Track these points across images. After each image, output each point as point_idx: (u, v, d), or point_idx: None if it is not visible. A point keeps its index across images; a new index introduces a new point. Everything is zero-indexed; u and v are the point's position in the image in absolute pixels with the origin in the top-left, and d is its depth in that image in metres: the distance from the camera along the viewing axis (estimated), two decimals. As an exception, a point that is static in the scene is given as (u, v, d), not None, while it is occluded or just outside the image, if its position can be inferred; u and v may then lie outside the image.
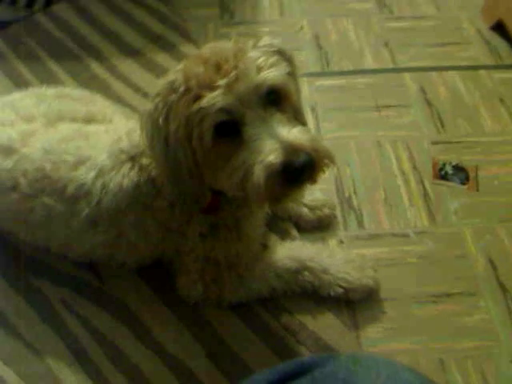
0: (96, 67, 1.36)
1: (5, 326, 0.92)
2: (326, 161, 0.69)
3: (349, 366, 0.45)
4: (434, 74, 1.37)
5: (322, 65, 1.39)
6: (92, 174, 0.84)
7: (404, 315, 0.96)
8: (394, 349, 0.92)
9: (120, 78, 1.34)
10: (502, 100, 1.30)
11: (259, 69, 0.67)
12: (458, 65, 1.39)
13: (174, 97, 0.68)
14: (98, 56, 1.38)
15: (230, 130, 0.68)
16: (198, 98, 0.66)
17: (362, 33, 1.47)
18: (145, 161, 0.81)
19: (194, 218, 0.84)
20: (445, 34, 1.47)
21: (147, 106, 0.71)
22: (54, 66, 1.36)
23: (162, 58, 1.37)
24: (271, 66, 0.68)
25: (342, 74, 1.37)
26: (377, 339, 0.93)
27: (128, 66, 1.36)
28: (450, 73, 1.37)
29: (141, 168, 0.81)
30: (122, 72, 1.35)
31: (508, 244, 1.04)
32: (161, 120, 0.69)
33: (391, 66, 1.40)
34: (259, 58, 0.68)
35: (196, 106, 0.66)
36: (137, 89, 1.31)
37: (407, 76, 1.37)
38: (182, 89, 0.67)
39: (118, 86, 1.32)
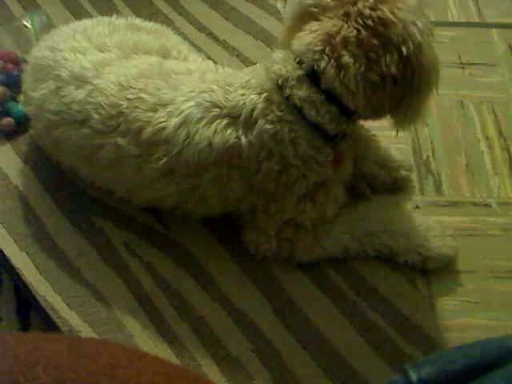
0: (158, 1, 1.27)
1: (68, 268, 0.88)
2: None
3: None
4: (524, 32, 1.25)
5: (400, 14, 1.28)
6: (175, 120, 0.77)
7: (481, 289, 0.89)
8: (470, 323, 0.86)
9: (183, 14, 1.25)
10: None
11: None
12: (551, 24, 1.26)
13: None
14: (161, -11, 1.29)
15: None
16: None
17: (447, -19, 1.34)
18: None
19: (300, 180, 0.79)
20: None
21: None
22: (115, -1, 1.28)
23: (227, -5, 1.27)
24: None
25: (423, 24, 1.26)
26: (452, 312, 0.87)
27: (191, 2, 1.27)
28: (542, 32, 1.24)
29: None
30: (185, 8, 1.26)
31: None
32: None
33: (477, 20, 1.27)
34: None
35: None
36: (201, 27, 1.23)
37: (495, 32, 1.24)
38: None
39: (180, 23, 1.23)
